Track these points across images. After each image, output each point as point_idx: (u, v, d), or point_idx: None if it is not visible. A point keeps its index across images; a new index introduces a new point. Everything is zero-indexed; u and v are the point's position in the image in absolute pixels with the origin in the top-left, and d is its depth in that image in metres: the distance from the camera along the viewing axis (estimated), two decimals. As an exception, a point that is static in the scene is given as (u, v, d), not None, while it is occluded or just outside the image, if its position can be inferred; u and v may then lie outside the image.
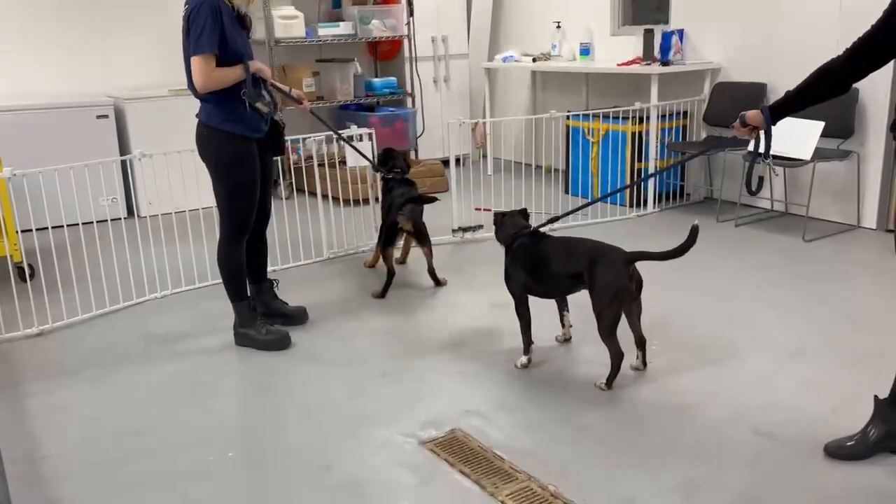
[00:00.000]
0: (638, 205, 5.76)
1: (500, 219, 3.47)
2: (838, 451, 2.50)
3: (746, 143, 5.15)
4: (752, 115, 2.62)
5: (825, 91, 2.45)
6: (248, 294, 3.58)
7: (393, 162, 4.59)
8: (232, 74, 3.22)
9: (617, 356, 3.03)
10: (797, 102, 2.53)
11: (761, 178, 2.70)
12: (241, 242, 3.46)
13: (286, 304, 3.84)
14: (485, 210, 5.54)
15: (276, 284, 3.87)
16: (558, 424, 2.83)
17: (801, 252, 4.69)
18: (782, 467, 2.49)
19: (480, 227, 5.21)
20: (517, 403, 2.99)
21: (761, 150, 2.63)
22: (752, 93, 5.49)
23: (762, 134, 2.61)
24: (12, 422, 2.96)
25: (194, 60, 3.13)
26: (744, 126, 2.65)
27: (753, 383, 3.07)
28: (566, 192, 6.25)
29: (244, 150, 3.32)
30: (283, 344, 3.52)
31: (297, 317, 3.80)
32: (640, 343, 3.18)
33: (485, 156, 7.38)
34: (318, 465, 2.62)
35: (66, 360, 3.50)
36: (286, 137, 3.65)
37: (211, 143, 3.32)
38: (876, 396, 2.50)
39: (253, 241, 3.58)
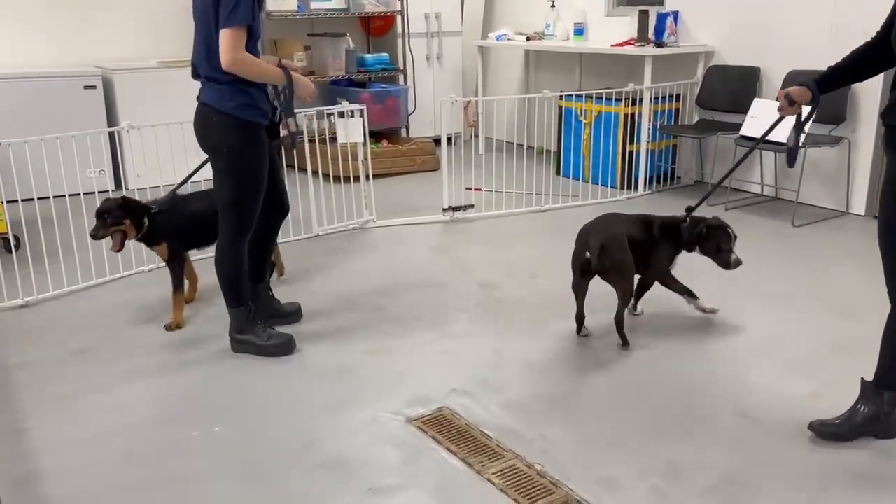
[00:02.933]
0: (629, 187, 5.76)
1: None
2: (823, 430, 2.52)
3: (738, 127, 5.23)
4: (799, 91, 2.66)
5: (871, 62, 2.49)
6: (249, 297, 3.24)
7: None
8: (267, 72, 2.91)
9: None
10: (843, 77, 2.59)
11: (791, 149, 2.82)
12: (244, 242, 3.12)
13: (280, 302, 3.58)
14: (475, 190, 5.53)
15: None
16: (544, 404, 2.84)
17: (790, 237, 4.71)
18: (766, 449, 2.52)
19: (471, 206, 5.20)
20: (503, 383, 2.99)
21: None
22: (746, 76, 5.48)
23: (803, 110, 2.74)
24: (-4, 393, 2.95)
25: (225, 34, 2.75)
26: (791, 104, 2.70)
27: (738, 366, 3.09)
28: (557, 173, 6.24)
29: (258, 138, 3.02)
30: (287, 349, 3.23)
31: (295, 314, 3.56)
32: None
33: (476, 135, 7.35)
34: (303, 443, 2.62)
35: (51, 333, 3.48)
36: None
37: (220, 131, 2.96)
38: (862, 379, 2.53)
39: (265, 237, 3.34)
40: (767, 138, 4.90)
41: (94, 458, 2.54)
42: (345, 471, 2.46)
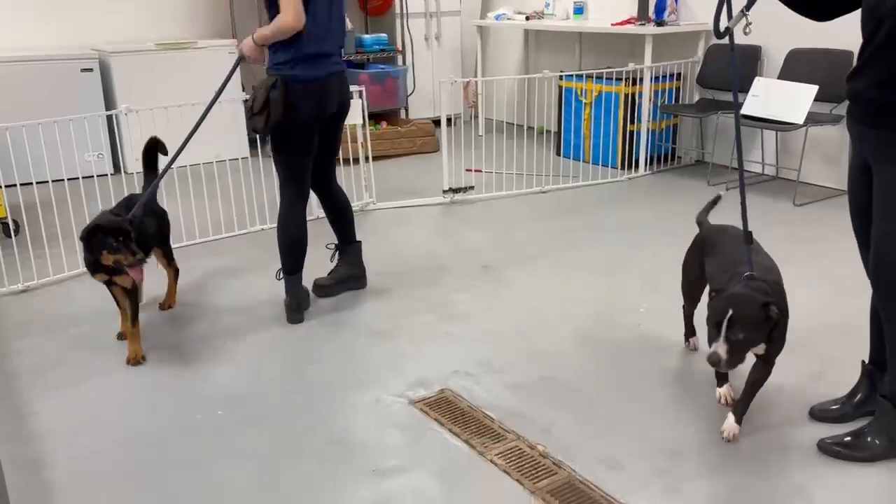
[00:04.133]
0: (629, 167, 5.74)
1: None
2: (824, 415, 2.52)
3: (740, 107, 5.18)
4: None
5: None
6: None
7: None
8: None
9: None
10: None
11: (728, 28, 2.31)
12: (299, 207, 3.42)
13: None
14: (475, 171, 5.51)
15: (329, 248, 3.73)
16: (546, 385, 2.84)
17: (791, 216, 4.69)
18: (768, 429, 2.52)
19: (471, 188, 5.18)
20: (505, 364, 3.00)
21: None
22: (747, 55, 5.43)
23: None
24: (-1, 378, 2.95)
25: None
26: None
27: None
28: (558, 154, 6.21)
29: None
30: (291, 315, 3.38)
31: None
32: None
33: (476, 116, 7.31)
34: (306, 425, 2.62)
35: (52, 318, 3.48)
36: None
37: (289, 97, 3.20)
38: (863, 361, 2.52)
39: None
40: (767, 117, 4.93)
41: (97, 443, 2.55)
42: (349, 452, 2.47)
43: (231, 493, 2.28)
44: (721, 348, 2.21)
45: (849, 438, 2.36)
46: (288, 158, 3.29)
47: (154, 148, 3.47)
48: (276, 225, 3.38)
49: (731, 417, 2.48)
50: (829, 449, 2.35)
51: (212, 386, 2.89)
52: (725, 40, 2.36)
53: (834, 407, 2.53)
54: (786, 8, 2.35)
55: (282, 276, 3.38)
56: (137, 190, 4.29)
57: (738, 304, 2.23)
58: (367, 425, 2.61)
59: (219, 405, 2.75)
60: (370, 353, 3.12)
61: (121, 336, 3.21)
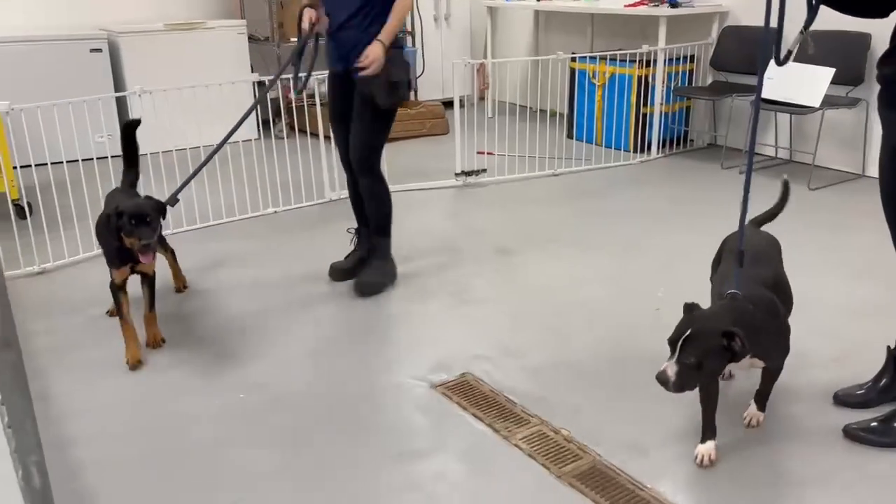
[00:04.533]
0: (642, 150, 5.71)
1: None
2: (848, 400, 2.52)
3: (753, 89, 5.14)
4: None
5: None
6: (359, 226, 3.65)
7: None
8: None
9: None
10: None
11: (790, 52, 2.26)
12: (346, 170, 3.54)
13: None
14: (488, 154, 5.49)
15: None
16: (566, 370, 2.84)
17: (806, 200, 4.67)
18: (791, 413, 2.52)
19: (484, 170, 5.16)
20: (524, 348, 2.99)
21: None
22: (760, 37, 5.39)
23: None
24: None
25: None
26: None
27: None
28: (569, 136, 6.18)
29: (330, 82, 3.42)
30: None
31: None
32: None
33: (482, 98, 7.26)
34: (328, 408, 2.63)
35: (69, 299, 3.48)
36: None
37: None
38: (889, 347, 2.52)
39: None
40: (783, 100, 4.89)
41: (121, 424, 2.55)
42: (372, 436, 2.47)
43: (253, 476, 2.29)
44: (670, 368, 2.06)
45: (875, 424, 2.36)
46: (387, 130, 3.39)
47: (132, 129, 3.33)
48: (348, 198, 3.66)
49: (753, 405, 2.48)
50: (855, 434, 2.35)
51: (231, 369, 2.89)
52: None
53: (858, 392, 2.53)
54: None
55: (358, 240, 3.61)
56: (150, 172, 4.28)
57: (698, 326, 2.07)
58: (390, 409, 2.62)
59: (240, 388, 2.75)
60: (389, 338, 3.12)
61: (110, 313, 3.21)
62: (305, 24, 3.25)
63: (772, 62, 2.28)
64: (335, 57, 3.31)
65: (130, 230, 2.76)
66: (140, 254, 2.78)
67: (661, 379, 2.08)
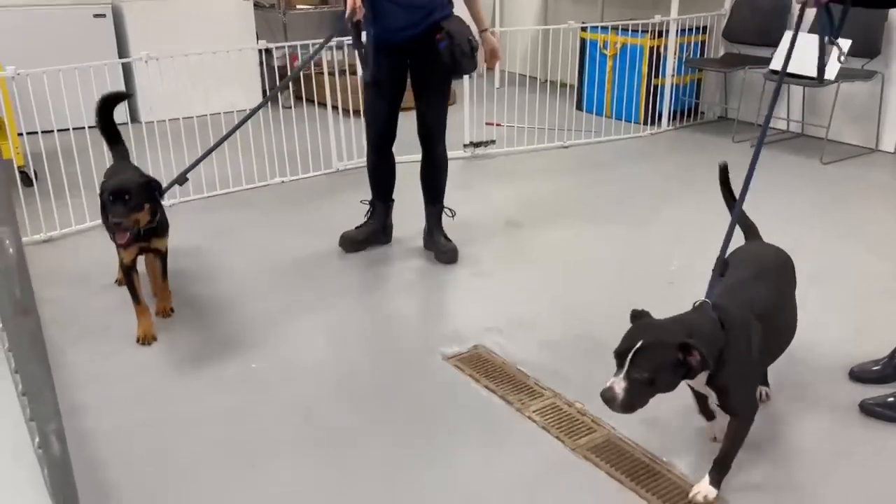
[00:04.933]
0: (652, 122, 5.65)
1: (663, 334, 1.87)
2: (864, 375, 2.50)
3: (766, 61, 5.08)
4: None
5: None
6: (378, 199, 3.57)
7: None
8: None
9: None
10: None
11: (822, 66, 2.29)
12: (370, 157, 3.50)
13: (447, 239, 3.58)
14: (496, 125, 5.43)
15: (448, 215, 3.63)
16: (579, 342, 2.82)
17: (819, 174, 4.63)
18: (807, 390, 2.51)
19: (492, 142, 5.11)
20: (536, 321, 2.97)
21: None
22: (775, 8, 5.31)
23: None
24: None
25: None
26: None
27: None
28: (578, 108, 6.11)
29: (374, 49, 3.18)
30: (345, 245, 3.55)
31: (449, 254, 3.53)
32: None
33: (490, 68, 7.16)
34: (340, 377, 2.62)
35: (76, 268, 3.45)
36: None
37: None
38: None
39: (421, 159, 3.51)
40: (796, 72, 4.81)
41: (131, 392, 2.54)
42: (384, 406, 2.46)
43: (264, 445, 2.28)
44: (618, 385, 1.81)
45: (892, 399, 2.34)
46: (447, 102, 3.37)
47: (110, 104, 3.11)
48: (356, 168, 3.76)
49: (705, 479, 2.04)
50: (872, 410, 2.34)
51: (241, 339, 2.87)
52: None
53: (874, 368, 2.51)
54: None
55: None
56: (157, 140, 4.23)
57: (652, 336, 1.82)
58: (402, 379, 2.60)
59: (252, 357, 2.74)
60: (400, 309, 3.10)
61: (118, 281, 3.18)
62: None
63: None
64: (397, 26, 3.12)
65: (109, 208, 2.66)
66: (113, 232, 2.69)
67: (607, 397, 1.81)
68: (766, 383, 2.41)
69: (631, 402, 1.82)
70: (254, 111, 3.08)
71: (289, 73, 5.75)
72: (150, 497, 2.08)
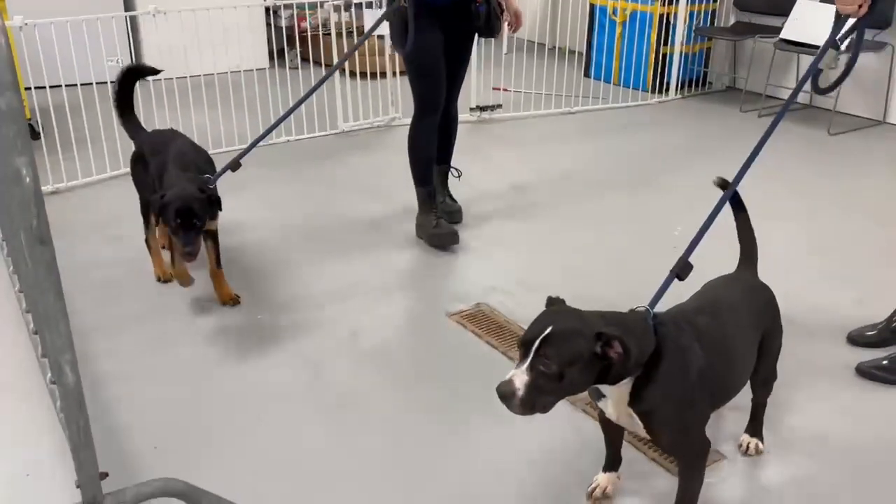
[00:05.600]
0: (659, 91, 5.62)
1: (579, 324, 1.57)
2: (861, 339, 2.53)
3: (776, 30, 5.05)
4: None
5: None
6: (431, 182, 3.34)
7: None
8: None
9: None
10: None
11: (820, 72, 2.19)
12: (424, 122, 3.21)
13: (452, 199, 3.57)
14: (503, 90, 5.41)
15: (454, 175, 3.58)
16: (582, 304, 2.80)
17: (826, 145, 4.62)
18: (806, 352, 2.53)
19: (499, 106, 5.09)
20: (540, 283, 2.99)
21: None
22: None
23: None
24: (37, 277, 2.96)
25: None
26: None
27: (776, 272, 3.04)
28: (586, 75, 6.07)
29: (421, 20, 2.97)
30: (447, 240, 3.22)
31: (454, 214, 3.51)
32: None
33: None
34: (347, 332, 2.65)
35: (84, 219, 3.48)
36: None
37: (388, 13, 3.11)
38: (906, 287, 2.51)
39: (443, 123, 3.37)
40: (807, 41, 4.79)
41: (141, 338, 2.59)
42: (389, 360, 2.50)
43: (276, 393, 2.32)
44: (519, 378, 1.49)
45: (886, 362, 2.37)
46: None
47: (134, 77, 2.94)
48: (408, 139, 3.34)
49: None
50: (868, 372, 2.37)
51: (249, 291, 2.90)
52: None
53: (870, 333, 2.54)
54: None
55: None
56: (165, 98, 4.21)
57: (565, 323, 1.53)
58: (405, 335, 2.64)
59: (261, 310, 2.77)
60: (403, 266, 3.13)
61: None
62: None
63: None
64: None
65: (174, 229, 2.51)
66: (183, 254, 2.55)
67: (504, 392, 1.50)
68: (758, 435, 2.07)
69: (532, 400, 1.49)
70: (318, 84, 3.05)
71: (296, 35, 5.71)
72: (160, 440, 2.12)
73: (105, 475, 1.51)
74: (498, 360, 2.49)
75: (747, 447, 2.07)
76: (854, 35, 2.22)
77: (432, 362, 2.50)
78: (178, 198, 2.49)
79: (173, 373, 2.43)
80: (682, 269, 1.77)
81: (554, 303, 1.68)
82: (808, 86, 5.18)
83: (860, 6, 2.11)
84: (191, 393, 2.33)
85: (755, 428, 2.08)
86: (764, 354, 1.92)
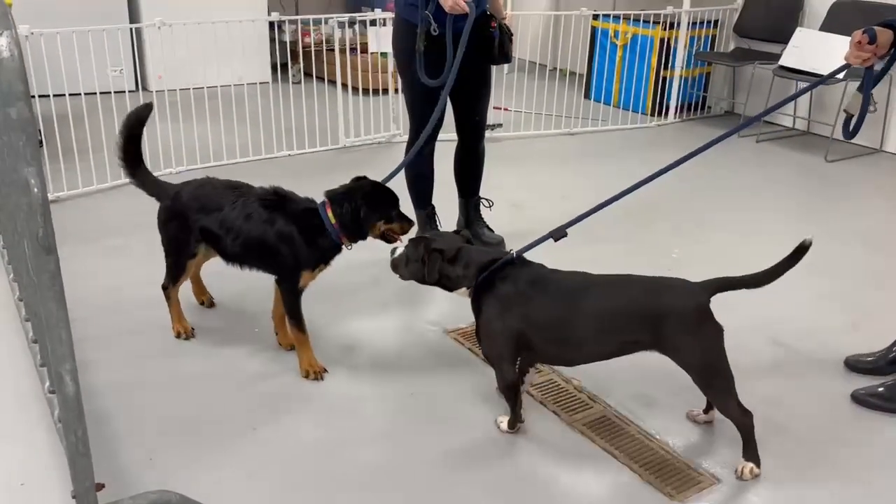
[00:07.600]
0: (659, 114, 5.66)
1: (430, 248, 2.26)
2: (858, 366, 2.54)
3: (776, 57, 5.10)
4: (884, 34, 2.13)
5: None
6: (430, 203, 3.38)
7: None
8: None
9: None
10: None
11: (851, 117, 2.25)
12: (425, 146, 3.05)
13: (490, 230, 3.52)
14: (504, 110, 5.45)
15: (486, 205, 3.55)
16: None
17: (822, 172, 4.66)
18: (802, 375, 2.55)
19: (500, 125, 5.13)
20: (539, 300, 3.01)
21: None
22: (788, 4, 5.32)
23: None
24: (35, 286, 2.97)
25: None
26: (871, 43, 2.15)
27: (770, 296, 3.04)
28: (586, 96, 6.12)
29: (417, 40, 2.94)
30: None
31: (497, 247, 3.38)
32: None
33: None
34: (343, 346, 2.66)
35: (84, 228, 3.48)
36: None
37: (394, 34, 3.13)
38: (901, 315, 2.53)
39: (460, 154, 3.41)
40: (806, 69, 4.84)
41: (141, 348, 2.59)
42: (387, 375, 2.50)
43: (273, 405, 2.32)
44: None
45: (882, 390, 2.38)
46: None
47: (141, 121, 2.55)
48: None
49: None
50: (863, 400, 2.38)
51: (247, 302, 2.90)
52: None
53: (868, 359, 2.55)
54: None
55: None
56: (167, 109, 4.22)
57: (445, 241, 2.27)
58: (403, 351, 2.65)
59: (256, 322, 2.77)
60: (404, 284, 3.09)
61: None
62: None
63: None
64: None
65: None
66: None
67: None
68: (753, 459, 2.09)
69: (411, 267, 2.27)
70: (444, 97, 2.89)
71: (300, 49, 5.74)
72: (156, 451, 2.12)
73: (101, 486, 1.51)
74: (493, 376, 2.49)
75: (742, 471, 2.08)
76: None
77: (430, 376, 2.50)
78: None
79: (169, 384, 2.43)
80: (556, 233, 2.39)
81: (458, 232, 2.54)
82: (804, 112, 5.23)
83: (866, 60, 2.23)
84: (187, 404, 2.33)
85: (749, 452, 2.09)
86: (681, 365, 2.11)
